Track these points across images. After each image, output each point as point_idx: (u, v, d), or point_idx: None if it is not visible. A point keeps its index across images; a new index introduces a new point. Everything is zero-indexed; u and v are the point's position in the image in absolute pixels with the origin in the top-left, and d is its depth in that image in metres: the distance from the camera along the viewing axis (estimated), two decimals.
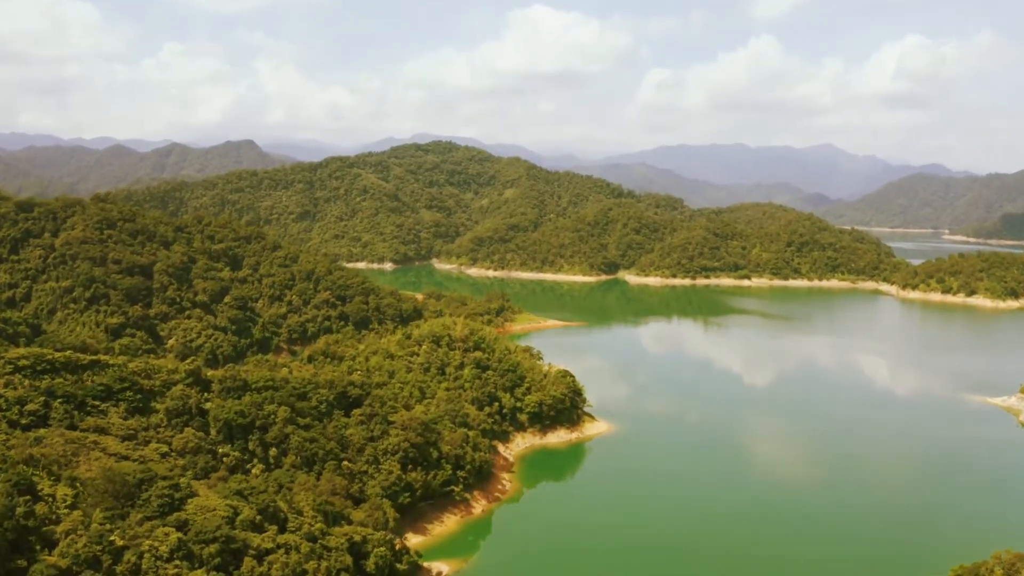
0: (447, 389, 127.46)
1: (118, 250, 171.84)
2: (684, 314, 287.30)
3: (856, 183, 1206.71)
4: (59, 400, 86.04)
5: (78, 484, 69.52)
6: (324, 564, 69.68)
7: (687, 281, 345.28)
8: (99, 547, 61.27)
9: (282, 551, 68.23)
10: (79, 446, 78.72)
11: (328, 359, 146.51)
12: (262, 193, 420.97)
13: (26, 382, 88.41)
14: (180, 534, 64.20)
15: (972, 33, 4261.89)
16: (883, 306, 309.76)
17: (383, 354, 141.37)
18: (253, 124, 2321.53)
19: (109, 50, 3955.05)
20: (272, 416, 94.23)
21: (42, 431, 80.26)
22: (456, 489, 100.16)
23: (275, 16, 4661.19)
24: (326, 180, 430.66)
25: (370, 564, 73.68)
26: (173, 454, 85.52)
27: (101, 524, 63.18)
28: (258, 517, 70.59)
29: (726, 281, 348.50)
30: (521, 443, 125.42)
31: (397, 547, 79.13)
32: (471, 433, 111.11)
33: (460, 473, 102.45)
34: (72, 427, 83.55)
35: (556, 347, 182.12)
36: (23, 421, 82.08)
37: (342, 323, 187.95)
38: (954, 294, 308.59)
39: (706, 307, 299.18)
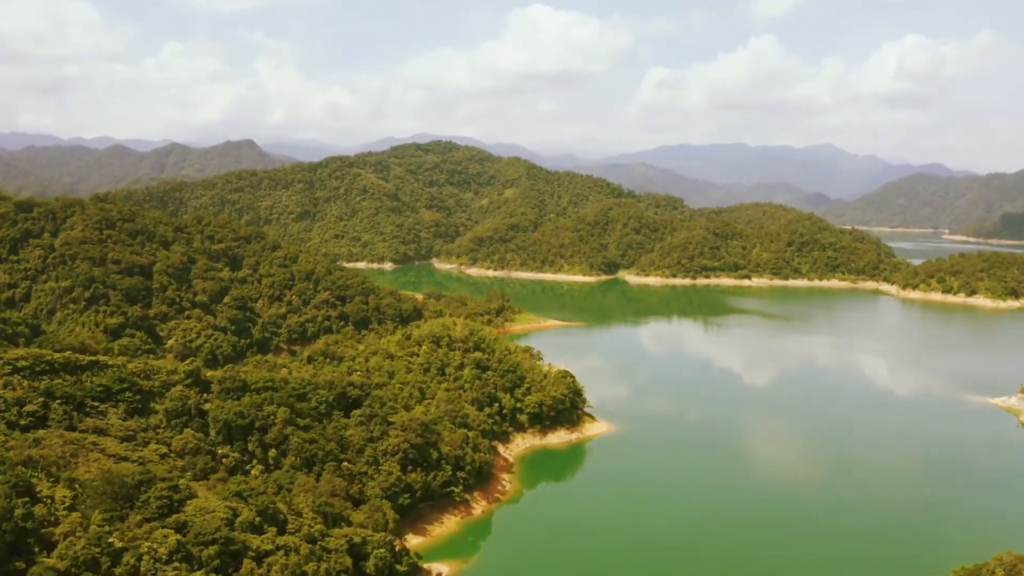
0: (447, 390, 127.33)
1: (118, 250, 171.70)
2: (684, 314, 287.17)
3: (856, 183, 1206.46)
4: (58, 401, 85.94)
5: (77, 486, 69.41)
6: (324, 566, 69.53)
7: (687, 281, 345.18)
8: (98, 549, 61.15)
9: (281, 553, 68.07)
10: (78, 447, 78.61)
11: (328, 359, 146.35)
12: (262, 193, 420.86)
13: (25, 383, 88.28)
14: (179, 536, 64.07)
15: (972, 33, 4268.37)
16: (883, 306, 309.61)
17: (383, 354, 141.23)
18: (253, 124, 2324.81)
19: (109, 50, 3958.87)
20: (272, 417, 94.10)
21: (41, 432, 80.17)
22: (456, 490, 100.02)
23: (275, 16, 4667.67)
24: (326, 180, 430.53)
25: (370, 566, 73.55)
26: (172, 455, 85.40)
27: (100, 526, 63.06)
28: (257, 519, 70.47)
29: (726, 281, 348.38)
30: (521, 444, 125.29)
31: (397, 548, 79.01)
32: (471, 434, 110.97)
33: (460, 474, 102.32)
34: (71, 428, 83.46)
35: (556, 347, 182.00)
36: (22, 422, 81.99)
37: (342, 323, 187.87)
38: (955, 294, 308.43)
39: (706, 307, 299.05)
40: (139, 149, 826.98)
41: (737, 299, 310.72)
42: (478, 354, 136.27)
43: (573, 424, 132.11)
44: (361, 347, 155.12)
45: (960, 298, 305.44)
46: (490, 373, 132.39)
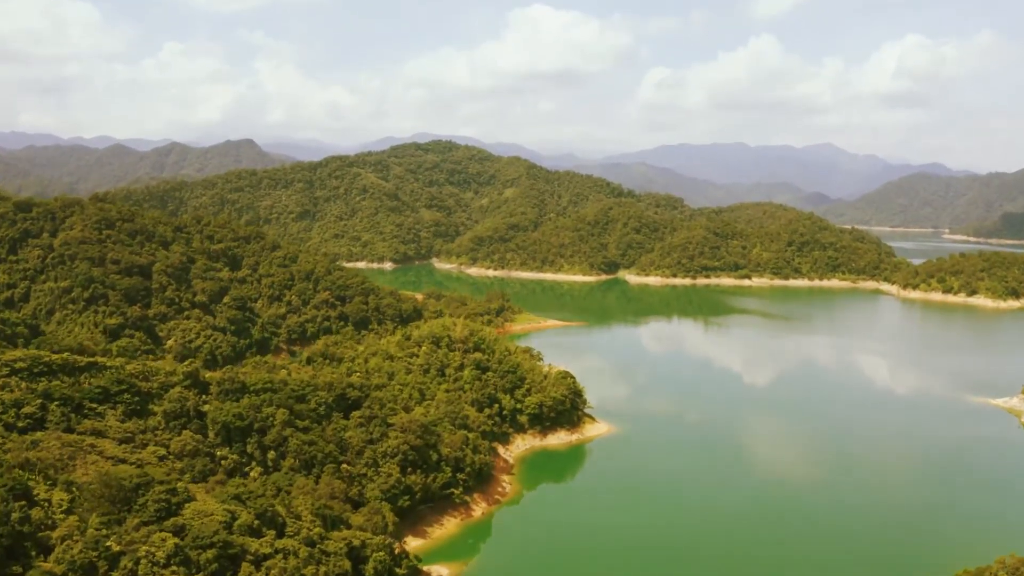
0: (447, 391, 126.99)
1: (117, 250, 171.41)
2: (684, 314, 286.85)
3: (856, 182, 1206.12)
4: (56, 403, 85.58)
5: (74, 489, 69.10)
6: (323, 569, 69.17)
7: (687, 281, 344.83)
8: (95, 553, 60.83)
9: (280, 556, 67.76)
10: (76, 449, 78.30)
11: (327, 360, 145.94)
12: (262, 193, 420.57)
13: (23, 384, 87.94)
14: (177, 539, 63.74)
15: (972, 33, 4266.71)
16: (884, 306, 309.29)
17: (382, 355, 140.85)
18: (253, 123, 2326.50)
19: (109, 50, 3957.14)
20: (271, 419, 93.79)
21: (38, 434, 79.88)
22: (456, 492, 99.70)
23: (275, 16, 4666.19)
24: (326, 179, 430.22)
25: (369, 569, 73.17)
26: (171, 457, 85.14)
27: (97, 529, 62.72)
28: (256, 522, 70.14)
29: (726, 281, 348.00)
30: (521, 445, 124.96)
31: (396, 551, 78.59)
32: (471, 435, 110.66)
33: (460, 475, 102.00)
34: (69, 430, 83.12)
35: (556, 347, 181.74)
36: (19, 424, 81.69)
37: (342, 323, 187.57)
38: (955, 294, 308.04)
39: (706, 307, 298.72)
40: (139, 149, 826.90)
41: (737, 299, 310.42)
42: (478, 355, 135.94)
43: (573, 425, 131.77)
44: (361, 348, 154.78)
45: (961, 298, 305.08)
46: (490, 374, 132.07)
